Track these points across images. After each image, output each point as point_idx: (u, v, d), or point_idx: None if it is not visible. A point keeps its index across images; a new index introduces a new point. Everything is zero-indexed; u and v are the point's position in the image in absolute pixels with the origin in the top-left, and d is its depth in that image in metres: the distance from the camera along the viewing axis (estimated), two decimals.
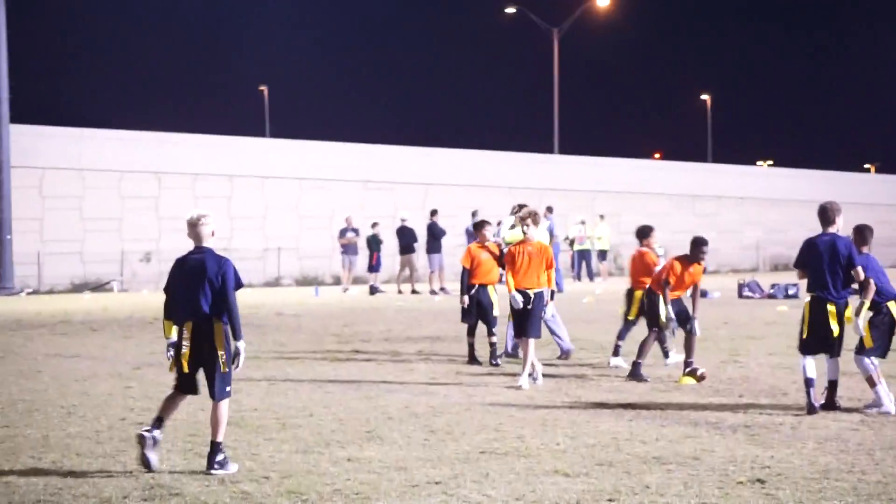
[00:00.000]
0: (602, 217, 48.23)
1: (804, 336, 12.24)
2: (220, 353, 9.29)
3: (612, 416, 11.87)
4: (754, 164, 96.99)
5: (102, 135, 47.37)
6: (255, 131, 73.78)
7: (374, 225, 41.06)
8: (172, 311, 9.49)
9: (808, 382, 11.84)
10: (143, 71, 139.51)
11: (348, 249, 40.23)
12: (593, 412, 12.12)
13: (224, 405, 9.37)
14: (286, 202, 50.00)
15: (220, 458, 9.19)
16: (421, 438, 10.63)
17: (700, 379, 14.30)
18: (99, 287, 43.45)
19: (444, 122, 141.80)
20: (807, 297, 12.34)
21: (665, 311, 14.57)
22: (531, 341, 14.18)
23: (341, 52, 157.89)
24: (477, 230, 17.40)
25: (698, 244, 14.80)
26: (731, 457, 9.62)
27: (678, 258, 14.74)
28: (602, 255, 46.94)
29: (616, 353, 16.16)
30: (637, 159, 64.13)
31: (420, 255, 40.45)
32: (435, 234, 37.57)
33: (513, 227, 16.93)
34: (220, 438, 9.25)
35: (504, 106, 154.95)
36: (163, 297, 9.69)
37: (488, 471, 9.15)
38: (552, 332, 16.96)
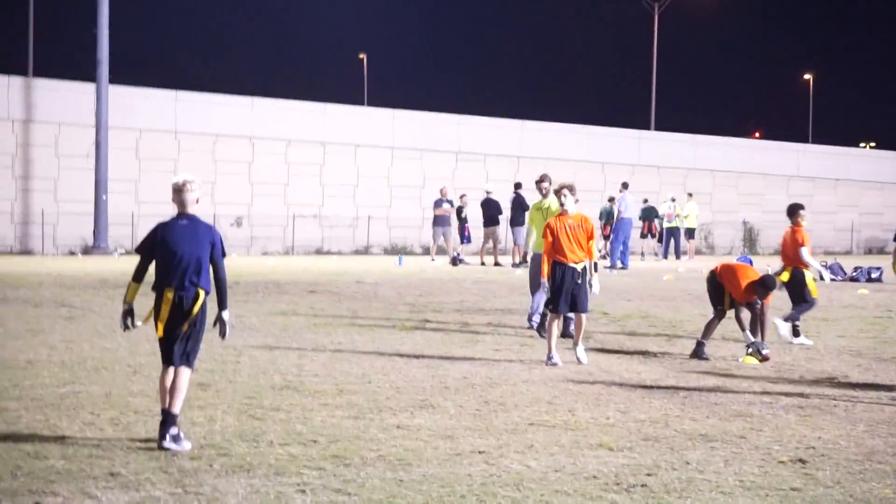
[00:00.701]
0: (690, 195, 47.98)
1: None
2: (198, 320, 8.97)
3: (666, 393, 11.90)
4: (856, 145, 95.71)
5: (198, 98, 47.93)
6: (351, 99, 74.07)
7: (462, 197, 41.28)
8: (144, 275, 9.11)
9: None
10: (239, 35, 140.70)
11: (441, 221, 40.34)
12: (650, 389, 12.16)
13: (186, 374, 8.99)
14: (378, 171, 50.27)
15: (174, 431, 8.72)
16: (473, 408, 10.75)
17: (763, 359, 14.27)
18: None
19: (538, 95, 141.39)
20: None
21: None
22: (584, 316, 14.13)
23: (440, 22, 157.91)
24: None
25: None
26: (778, 436, 9.63)
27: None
28: (690, 233, 46.70)
29: (796, 332, 16.36)
30: (731, 137, 63.49)
31: (505, 228, 40.60)
32: (521, 207, 37.59)
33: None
34: (177, 410, 8.86)
35: (601, 81, 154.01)
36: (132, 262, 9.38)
37: (533, 442, 9.25)
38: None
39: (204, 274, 9.02)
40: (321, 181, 49.09)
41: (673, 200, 45.22)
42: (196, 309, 8.96)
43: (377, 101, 79.83)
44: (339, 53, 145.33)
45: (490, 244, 39.10)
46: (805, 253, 16.54)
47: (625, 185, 38.51)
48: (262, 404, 10.69)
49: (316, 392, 11.45)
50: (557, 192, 14.41)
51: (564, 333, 15.59)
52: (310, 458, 8.51)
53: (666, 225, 45.20)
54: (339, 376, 12.53)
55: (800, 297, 16.56)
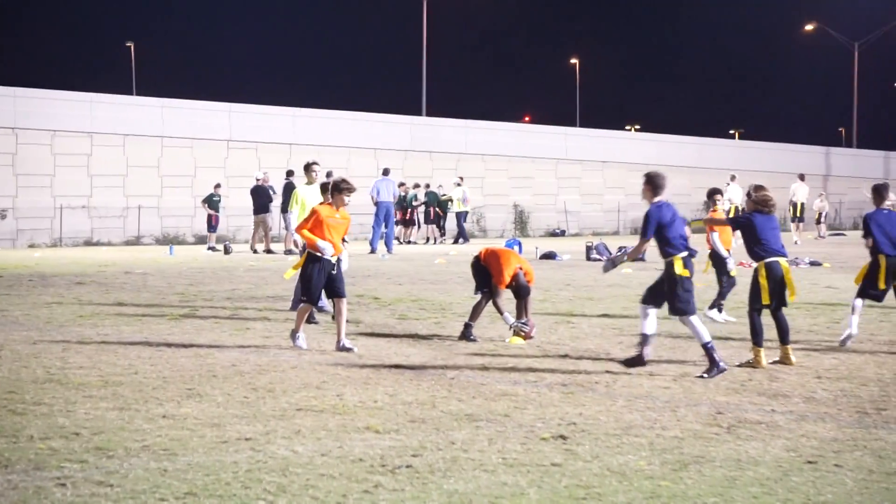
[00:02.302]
0: (461, 181, 48.74)
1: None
2: None
3: (435, 374, 12.04)
4: (622, 128, 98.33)
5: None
6: (119, 88, 72.53)
7: (217, 186, 41.28)
8: None
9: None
10: None
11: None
12: (418, 371, 12.28)
13: None
14: (148, 160, 49.42)
15: None
16: (241, 396, 10.69)
17: (527, 338, 14.58)
18: None
19: (310, 83, 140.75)
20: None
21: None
22: (344, 301, 14.08)
23: (210, 10, 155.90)
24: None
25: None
26: (541, 414, 9.85)
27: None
28: (462, 216, 47.38)
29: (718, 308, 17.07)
30: (502, 122, 64.45)
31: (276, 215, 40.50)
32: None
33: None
34: None
35: (374, 68, 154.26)
36: None
37: (301, 427, 9.25)
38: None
39: None
40: (89, 172, 48.00)
41: (458, 185, 46.38)
42: None
43: (146, 90, 78.33)
44: (105, 42, 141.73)
45: (261, 231, 38.92)
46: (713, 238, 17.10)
47: (385, 172, 38.99)
48: (23, 399, 10.43)
49: (80, 384, 11.22)
50: (334, 189, 14.16)
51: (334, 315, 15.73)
52: (71, 452, 8.33)
53: (456, 209, 45.99)
54: (105, 368, 12.30)
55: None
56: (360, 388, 11.13)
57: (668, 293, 12.21)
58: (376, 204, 37.03)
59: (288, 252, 35.97)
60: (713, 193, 18.01)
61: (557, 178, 61.32)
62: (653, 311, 12.35)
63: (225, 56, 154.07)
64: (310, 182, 17.96)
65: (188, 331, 15.76)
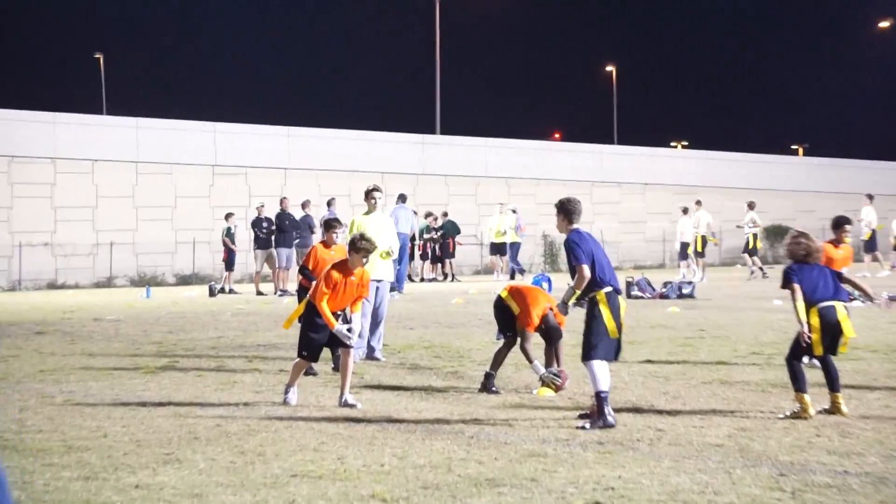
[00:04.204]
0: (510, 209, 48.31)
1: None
2: None
3: (451, 432, 11.99)
4: (666, 145, 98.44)
5: None
6: (85, 108, 72.84)
7: (228, 216, 41.08)
8: None
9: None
10: None
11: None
12: (432, 428, 12.24)
13: None
14: (120, 189, 49.49)
15: None
16: (227, 461, 10.66)
17: (558, 389, 14.53)
18: None
19: (304, 101, 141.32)
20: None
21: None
22: (351, 352, 14.19)
23: (186, 21, 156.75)
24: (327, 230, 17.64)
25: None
26: (574, 477, 9.79)
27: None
28: (516, 247, 46.84)
29: None
30: (528, 140, 64.52)
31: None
32: (293, 225, 37.80)
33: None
34: None
35: (380, 84, 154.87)
36: None
37: (296, 496, 9.22)
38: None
39: None
40: (53, 203, 48.14)
41: (514, 212, 46.14)
42: None
43: (118, 108, 78.69)
44: (71, 53, 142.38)
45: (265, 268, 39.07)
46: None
47: (401, 198, 38.94)
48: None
49: (39, 451, 11.20)
50: (351, 248, 14.18)
51: (336, 366, 15.83)
52: None
53: (511, 240, 45.79)
54: (69, 431, 12.28)
55: None
56: (365, 450, 11.09)
57: (585, 331, 12.43)
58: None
59: (283, 293, 36.06)
60: (841, 224, 17.21)
61: (592, 203, 61.24)
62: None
63: (209, 69, 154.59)
64: (370, 211, 18.30)
65: (166, 386, 15.74)
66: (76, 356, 19.24)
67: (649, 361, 17.63)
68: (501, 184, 59.01)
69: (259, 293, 37.66)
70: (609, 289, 12.47)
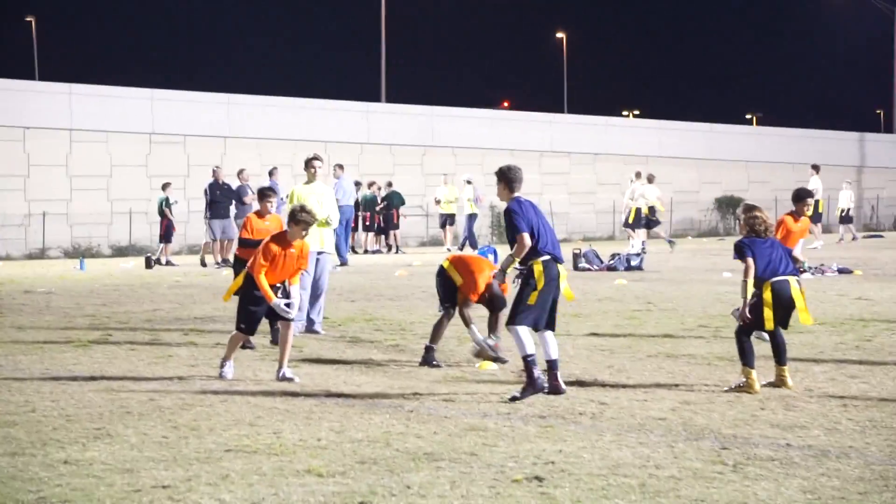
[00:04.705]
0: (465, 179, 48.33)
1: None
2: None
3: (390, 406, 12.07)
4: (618, 114, 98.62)
5: None
6: (17, 73, 72.26)
7: (166, 186, 40.84)
8: None
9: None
10: None
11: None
12: (371, 402, 12.31)
13: None
14: (54, 158, 49.12)
15: None
16: (159, 435, 10.68)
17: (501, 361, 14.64)
18: None
19: (246, 69, 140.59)
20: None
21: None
22: (291, 325, 14.25)
23: None
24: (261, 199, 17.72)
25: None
26: (514, 452, 9.87)
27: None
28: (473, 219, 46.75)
29: None
30: (475, 109, 64.50)
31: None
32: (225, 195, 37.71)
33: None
34: None
35: (317, 51, 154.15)
36: None
37: (229, 471, 9.25)
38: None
39: None
40: None
41: (469, 182, 46.03)
42: None
43: (51, 74, 78.14)
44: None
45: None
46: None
47: (339, 167, 38.95)
48: None
49: None
50: (290, 219, 14.03)
51: (275, 339, 15.88)
52: None
53: (469, 211, 45.60)
54: None
55: None
56: (302, 425, 11.15)
57: (516, 297, 12.61)
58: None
59: (224, 262, 35.95)
60: (803, 197, 17.33)
61: (541, 174, 61.35)
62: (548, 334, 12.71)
63: (145, 33, 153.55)
64: (310, 181, 18.37)
65: (98, 360, 15.74)
66: (4, 329, 19.21)
67: (595, 335, 17.76)
68: (448, 153, 58.99)
69: (203, 264, 37.51)
70: (547, 257, 12.55)
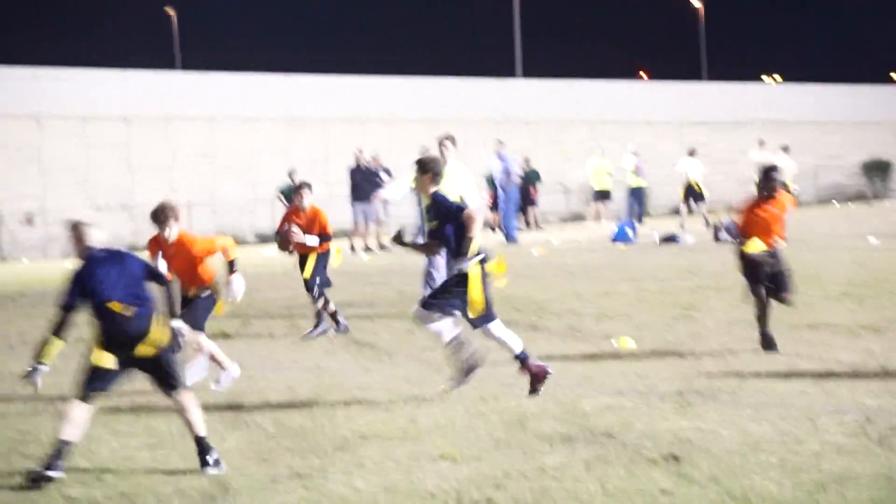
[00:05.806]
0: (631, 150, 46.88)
1: None
2: None
3: (521, 391, 11.77)
4: (758, 79, 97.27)
5: None
6: (159, 63, 73.18)
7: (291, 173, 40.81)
8: None
9: None
10: None
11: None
12: (504, 384, 12.20)
13: None
14: (195, 146, 49.60)
15: None
16: (297, 424, 10.75)
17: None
18: None
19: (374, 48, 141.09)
20: None
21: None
22: None
23: None
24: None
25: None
26: (651, 431, 9.77)
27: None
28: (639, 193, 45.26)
29: None
30: (614, 81, 64.09)
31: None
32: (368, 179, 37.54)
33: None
34: None
35: (456, 27, 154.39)
36: None
37: (364, 459, 9.28)
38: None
39: None
40: (129, 164, 48.43)
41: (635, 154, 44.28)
42: None
43: (192, 64, 78.93)
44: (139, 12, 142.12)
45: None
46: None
47: (500, 142, 38.89)
48: None
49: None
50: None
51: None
52: (92, 501, 8.42)
53: (634, 184, 44.05)
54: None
55: None
56: (437, 409, 11.13)
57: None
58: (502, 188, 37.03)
59: (368, 249, 35.47)
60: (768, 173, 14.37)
61: (682, 145, 60.67)
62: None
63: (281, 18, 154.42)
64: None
65: (238, 348, 15.80)
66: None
67: (735, 308, 17.50)
68: (585, 127, 58.57)
69: (353, 249, 36.41)
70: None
